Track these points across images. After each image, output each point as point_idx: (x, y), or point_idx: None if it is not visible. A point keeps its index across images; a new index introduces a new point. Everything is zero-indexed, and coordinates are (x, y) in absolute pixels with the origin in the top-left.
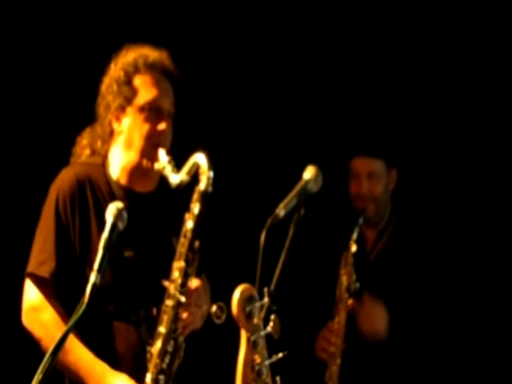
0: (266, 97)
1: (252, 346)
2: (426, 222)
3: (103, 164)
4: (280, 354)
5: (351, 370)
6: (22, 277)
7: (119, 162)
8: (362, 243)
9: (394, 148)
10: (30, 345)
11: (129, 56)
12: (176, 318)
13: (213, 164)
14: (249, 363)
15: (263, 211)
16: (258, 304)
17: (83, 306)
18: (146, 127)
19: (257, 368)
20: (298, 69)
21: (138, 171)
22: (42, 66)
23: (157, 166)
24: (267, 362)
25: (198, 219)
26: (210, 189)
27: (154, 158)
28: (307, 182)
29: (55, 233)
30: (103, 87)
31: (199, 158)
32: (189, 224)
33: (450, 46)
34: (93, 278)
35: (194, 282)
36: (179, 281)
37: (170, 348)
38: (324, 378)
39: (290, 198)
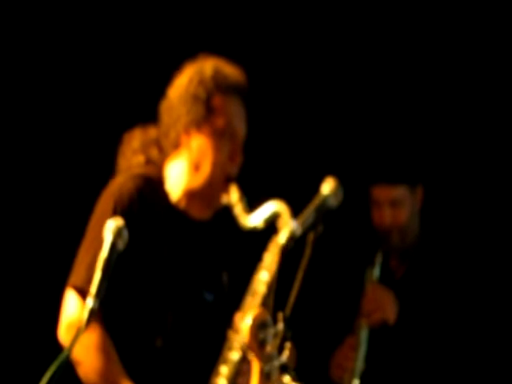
0: (282, 119)
1: (265, 377)
2: (456, 239)
3: (160, 178)
4: None
5: None
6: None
7: (181, 182)
8: (387, 260)
9: (417, 166)
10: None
11: (207, 70)
12: (237, 373)
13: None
14: None
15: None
16: (271, 330)
17: (80, 332)
18: (219, 155)
19: None
20: (313, 92)
21: (201, 198)
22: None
23: (226, 200)
24: None
25: (275, 275)
26: (290, 244)
27: (222, 189)
28: (326, 196)
29: None
30: (175, 95)
31: (280, 208)
32: (263, 275)
33: (463, 60)
34: (90, 303)
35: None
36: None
37: None
38: None
39: (307, 215)
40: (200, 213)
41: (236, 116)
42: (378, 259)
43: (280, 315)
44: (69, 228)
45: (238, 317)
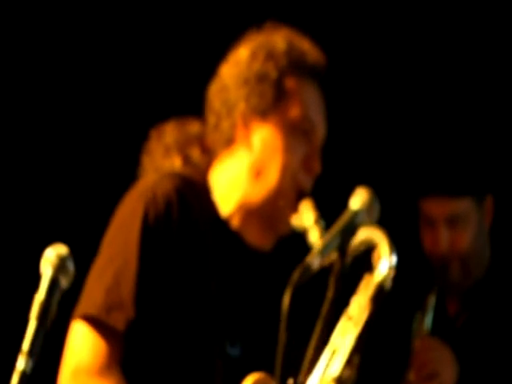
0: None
1: None
2: None
3: (205, 185)
4: None
5: None
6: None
7: (234, 191)
8: (443, 302)
9: (484, 171)
10: None
11: (279, 43)
12: None
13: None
14: None
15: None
16: None
17: None
18: (291, 157)
19: None
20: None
21: (261, 217)
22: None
23: (297, 221)
24: None
25: (366, 325)
26: (389, 284)
27: (292, 207)
28: (356, 213)
29: (138, 266)
30: (231, 73)
31: (376, 236)
32: (350, 329)
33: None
34: (22, 364)
35: None
36: None
37: None
38: None
39: (330, 239)
40: (258, 237)
41: (314, 107)
42: (431, 301)
43: (291, 383)
44: (79, 242)
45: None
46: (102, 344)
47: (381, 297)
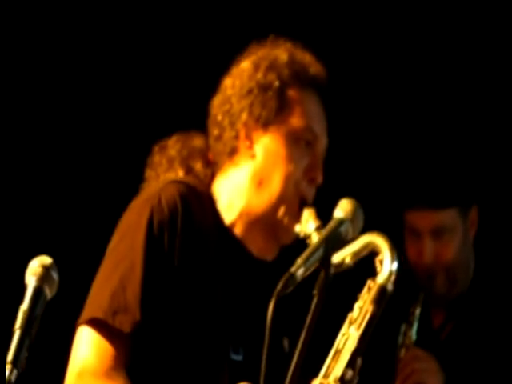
0: None
1: None
2: None
3: (209, 194)
4: None
5: None
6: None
7: (237, 200)
8: (429, 314)
9: (470, 181)
10: None
11: (281, 54)
12: None
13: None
14: None
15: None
16: None
17: None
18: (294, 166)
19: None
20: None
21: (264, 226)
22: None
23: (299, 228)
24: None
25: (367, 326)
26: (390, 287)
27: (295, 215)
28: (340, 223)
29: (143, 269)
30: (233, 84)
31: (378, 240)
32: (353, 330)
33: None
34: (7, 373)
35: None
36: None
37: None
38: None
39: (313, 249)
40: (261, 246)
41: (316, 117)
42: (416, 313)
43: None
44: (84, 249)
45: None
46: (108, 347)
47: (383, 299)
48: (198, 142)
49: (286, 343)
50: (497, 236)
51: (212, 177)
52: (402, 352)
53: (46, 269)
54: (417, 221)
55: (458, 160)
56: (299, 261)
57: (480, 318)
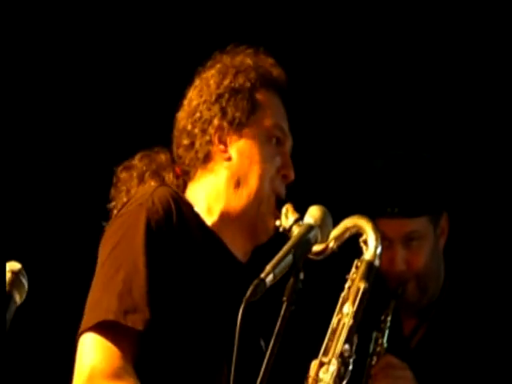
0: None
1: None
2: (495, 289)
3: (186, 199)
4: None
5: None
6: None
7: (217, 203)
8: (399, 321)
9: (440, 188)
10: None
11: (246, 61)
12: None
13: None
14: None
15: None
16: None
17: None
18: (268, 165)
19: None
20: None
21: (243, 224)
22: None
23: (279, 223)
24: None
25: (361, 302)
26: (377, 262)
27: (273, 212)
28: (309, 229)
29: (147, 271)
30: (200, 93)
31: (361, 222)
32: (346, 309)
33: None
34: None
35: None
36: None
37: None
38: None
39: (282, 255)
40: (240, 247)
41: (282, 118)
42: (387, 320)
43: None
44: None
45: (315, 364)
46: (116, 348)
47: (372, 274)
48: (163, 156)
49: (262, 343)
50: (467, 244)
51: (184, 187)
52: (374, 359)
53: (16, 274)
54: (388, 229)
55: (428, 168)
56: (268, 267)
57: (450, 326)
